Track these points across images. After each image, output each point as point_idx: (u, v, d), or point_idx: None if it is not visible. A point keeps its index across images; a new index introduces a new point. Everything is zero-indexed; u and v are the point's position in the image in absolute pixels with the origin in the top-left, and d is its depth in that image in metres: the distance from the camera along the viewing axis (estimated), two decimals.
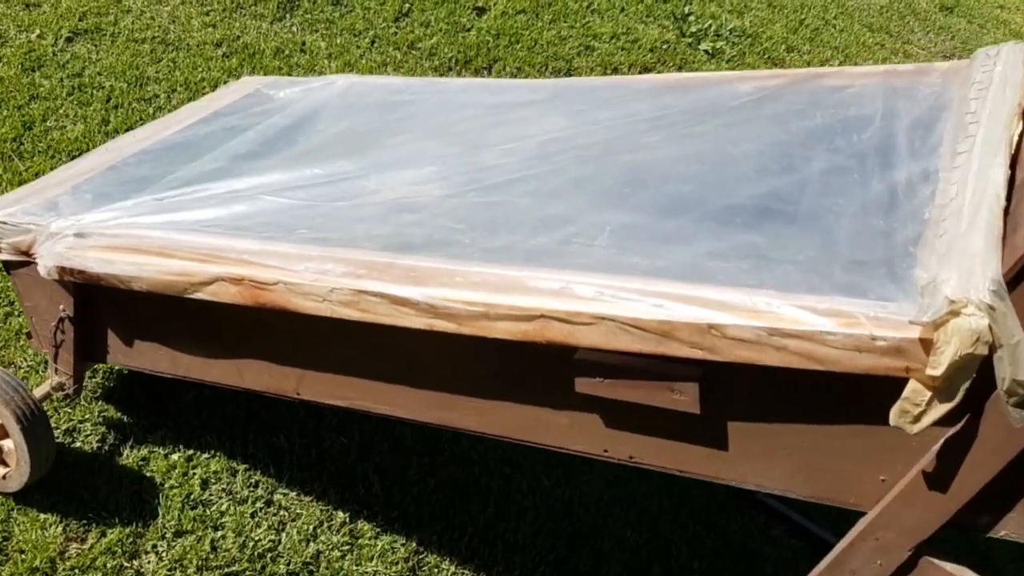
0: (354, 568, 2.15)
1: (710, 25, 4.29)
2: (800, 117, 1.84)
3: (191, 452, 2.26)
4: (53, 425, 2.15)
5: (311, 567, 2.12)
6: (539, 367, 1.51)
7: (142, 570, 2.01)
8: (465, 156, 1.91)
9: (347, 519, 2.22)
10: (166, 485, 2.18)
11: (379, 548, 2.19)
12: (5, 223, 1.91)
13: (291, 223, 1.76)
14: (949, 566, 1.32)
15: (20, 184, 2.59)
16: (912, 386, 1.19)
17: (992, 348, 1.12)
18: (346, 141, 2.14)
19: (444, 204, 1.71)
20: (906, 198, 1.43)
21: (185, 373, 1.95)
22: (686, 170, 1.69)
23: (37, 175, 2.74)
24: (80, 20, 3.48)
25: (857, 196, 1.50)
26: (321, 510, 2.23)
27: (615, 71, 3.77)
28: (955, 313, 1.13)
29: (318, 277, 1.57)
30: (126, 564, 2.02)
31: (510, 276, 1.44)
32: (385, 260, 1.56)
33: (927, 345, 1.17)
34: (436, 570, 2.19)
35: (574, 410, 1.53)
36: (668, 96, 2.05)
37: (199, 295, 1.70)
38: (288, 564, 2.10)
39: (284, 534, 2.17)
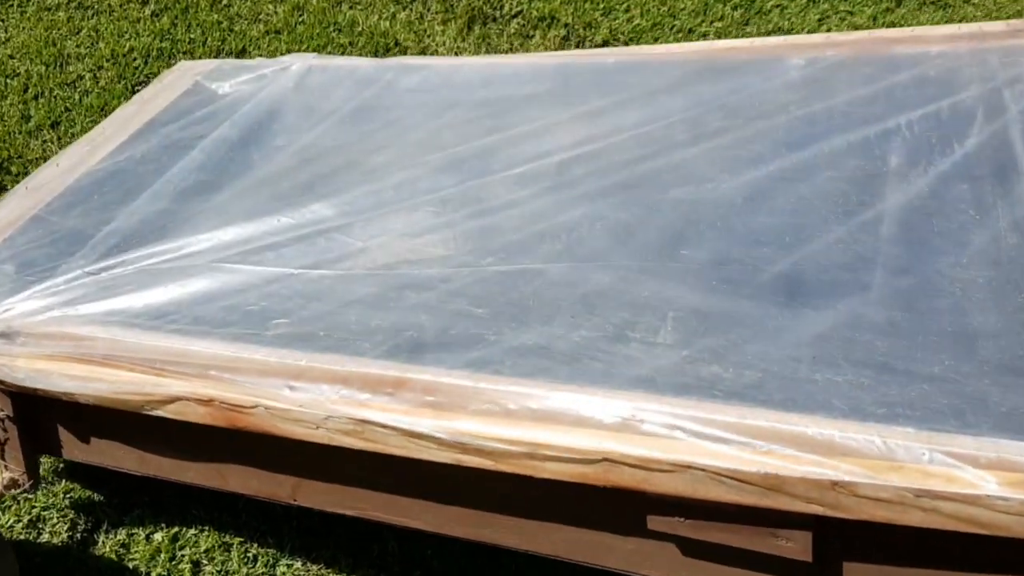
0: None
1: None
2: (879, 113, 1.48)
3: (176, 530, 1.97)
4: (13, 520, 1.85)
5: None
6: (601, 495, 1.22)
7: None
8: (468, 190, 1.55)
9: None
10: (152, 574, 1.90)
11: None
12: None
13: (264, 309, 1.41)
14: None
15: None
16: None
17: None
18: (313, 164, 1.76)
19: (456, 276, 1.37)
20: None
21: (156, 473, 1.64)
22: (752, 215, 1.35)
23: None
24: None
25: (989, 251, 1.18)
26: None
27: None
28: None
29: (309, 400, 1.24)
30: None
31: (556, 401, 1.13)
32: (393, 374, 1.23)
33: None
34: None
35: (645, 537, 1.24)
36: (703, 83, 1.67)
37: (160, 413, 1.37)
38: None
39: None
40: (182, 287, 1.48)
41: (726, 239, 1.32)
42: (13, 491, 1.81)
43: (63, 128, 2.60)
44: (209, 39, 3.00)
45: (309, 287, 1.43)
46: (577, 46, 3.31)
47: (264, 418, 1.27)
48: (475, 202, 1.51)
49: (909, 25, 3.21)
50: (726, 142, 1.50)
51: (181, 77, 2.23)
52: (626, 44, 3.30)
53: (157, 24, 2.99)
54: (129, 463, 1.65)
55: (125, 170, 1.88)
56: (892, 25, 3.17)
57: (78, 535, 1.94)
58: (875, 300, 1.16)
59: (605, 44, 3.31)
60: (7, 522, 1.92)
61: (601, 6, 3.29)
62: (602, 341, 1.19)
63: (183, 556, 1.95)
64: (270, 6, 3.16)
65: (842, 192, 1.35)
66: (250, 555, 1.99)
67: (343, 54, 3.04)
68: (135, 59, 2.86)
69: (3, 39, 2.85)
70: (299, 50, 3.01)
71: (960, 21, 3.20)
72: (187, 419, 1.35)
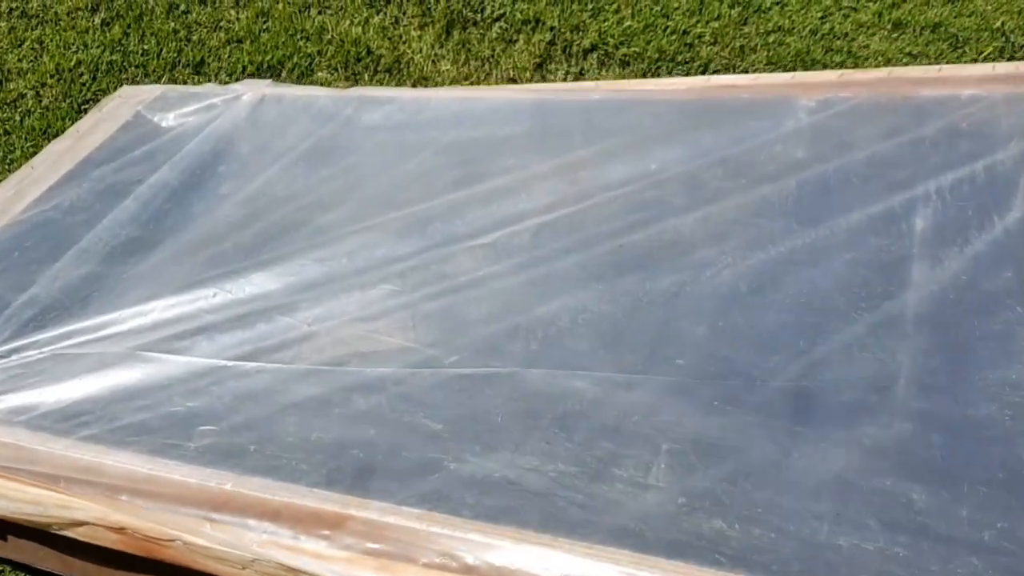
0: None
1: None
2: (904, 177, 1.28)
3: None
4: None
5: None
6: None
7: None
8: (431, 261, 1.35)
9: None
10: None
11: None
12: None
13: (190, 411, 1.21)
14: None
15: None
16: None
17: None
18: (259, 220, 1.55)
19: (412, 377, 1.17)
20: None
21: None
22: (758, 311, 1.15)
23: None
24: None
25: None
26: None
27: None
28: None
29: (233, 540, 1.04)
30: None
31: (524, 557, 0.93)
32: (332, 509, 1.03)
33: None
34: None
35: None
36: (700, 130, 1.47)
37: (69, 534, 1.18)
38: None
39: None
40: (100, 379, 1.28)
41: (728, 342, 1.12)
42: None
43: (1, 154, 2.38)
44: (164, 50, 2.77)
45: (243, 384, 1.22)
46: (563, 51, 3.10)
47: (183, 552, 1.08)
48: (439, 279, 1.31)
49: (916, 22, 2.99)
50: (727, 210, 1.30)
51: (122, 106, 2.01)
52: (616, 47, 3.09)
53: (107, 34, 2.76)
54: (52, 563, 1.46)
55: (51, 221, 1.67)
56: (898, 23, 2.96)
57: None
58: (907, 430, 0.97)
59: (593, 49, 3.10)
60: None
61: (589, 7, 3.07)
62: (582, 478, 1.00)
63: None
64: (231, 12, 2.92)
65: (863, 280, 1.15)
66: None
67: (310, 65, 2.82)
68: (82, 74, 2.63)
69: None
70: (262, 61, 2.79)
71: (969, 15, 2.99)
72: (99, 543, 1.16)
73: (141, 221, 1.62)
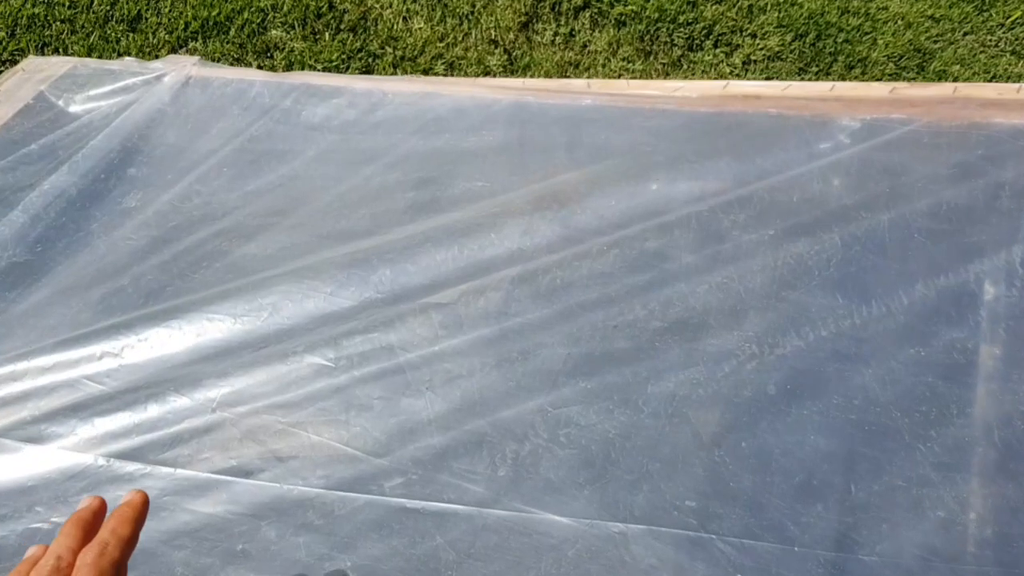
0: None
1: None
2: (979, 241, 1.00)
3: None
4: None
5: None
6: None
7: None
8: (374, 326, 1.06)
9: None
10: None
11: None
12: None
13: (53, 529, 0.93)
14: None
15: None
16: None
17: None
18: (167, 247, 1.25)
19: (341, 507, 0.89)
20: None
21: None
22: (795, 435, 0.88)
23: None
24: None
25: None
26: None
27: None
28: None
29: None
30: None
31: None
32: None
33: None
34: None
35: None
36: (714, 155, 1.17)
37: None
38: None
39: None
40: None
41: (756, 488, 0.85)
42: None
43: None
44: (96, 1, 2.41)
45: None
46: (552, 9, 2.76)
47: None
48: (383, 353, 1.03)
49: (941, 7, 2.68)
50: (750, 278, 1.01)
51: (24, 84, 1.68)
52: (611, 5, 2.76)
53: None
54: None
55: None
56: (924, 14, 2.64)
57: None
58: None
59: (586, 6, 2.77)
60: None
61: None
62: None
63: None
64: None
65: (930, 393, 0.88)
66: None
67: (263, 22, 2.47)
68: None
69: None
70: (208, 16, 2.44)
71: None
72: None
73: (26, 241, 1.32)
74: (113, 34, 2.34)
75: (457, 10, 2.74)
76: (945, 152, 1.10)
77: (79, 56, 2.20)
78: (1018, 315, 0.92)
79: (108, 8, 2.38)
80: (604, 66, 2.58)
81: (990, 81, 2.51)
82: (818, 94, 1.25)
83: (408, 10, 2.70)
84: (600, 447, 0.90)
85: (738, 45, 2.62)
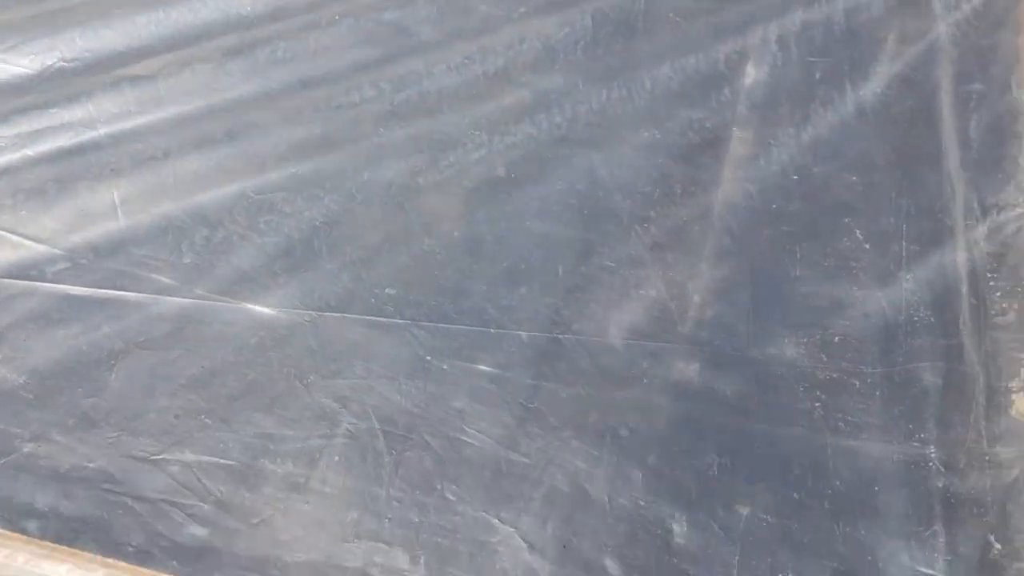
0: None
1: None
2: (748, 15, 0.93)
3: None
4: None
5: None
6: None
7: None
8: (53, 108, 0.91)
9: None
10: None
11: None
12: None
13: None
14: None
15: None
16: None
17: None
18: None
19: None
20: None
21: None
22: (518, 226, 0.82)
23: None
24: None
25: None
26: None
27: None
28: None
29: None
30: None
31: None
32: None
33: None
34: None
35: None
36: None
37: None
38: None
39: None
40: None
41: (461, 275, 0.80)
42: None
43: None
44: None
45: None
46: None
47: None
48: (63, 133, 0.89)
49: None
50: (491, 59, 0.92)
51: None
52: None
53: None
54: None
55: None
56: None
57: None
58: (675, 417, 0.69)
59: None
60: None
61: None
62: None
63: None
64: None
65: (658, 175, 0.83)
66: None
67: None
68: None
69: None
70: None
71: None
72: None
73: None
74: None
75: None
76: None
77: None
78: (761, 96, 0.88)
79: None
80: None
81: None
82: None
83: None
84: (303, 235, 0.82)
85: None
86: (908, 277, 0.77)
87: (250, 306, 0.78)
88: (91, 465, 0.78)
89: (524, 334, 0.75)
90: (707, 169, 0.85)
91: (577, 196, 0.83)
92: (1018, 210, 0.78)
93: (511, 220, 0.83)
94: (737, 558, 0.75)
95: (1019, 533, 0.72)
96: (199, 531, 0.77)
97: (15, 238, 0.82)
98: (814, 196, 0.81)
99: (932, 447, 0.73)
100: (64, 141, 0.88)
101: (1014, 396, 0.71)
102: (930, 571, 0.73)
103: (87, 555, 0.77)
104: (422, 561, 0.77)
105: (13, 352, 0.76)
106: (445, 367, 0.77)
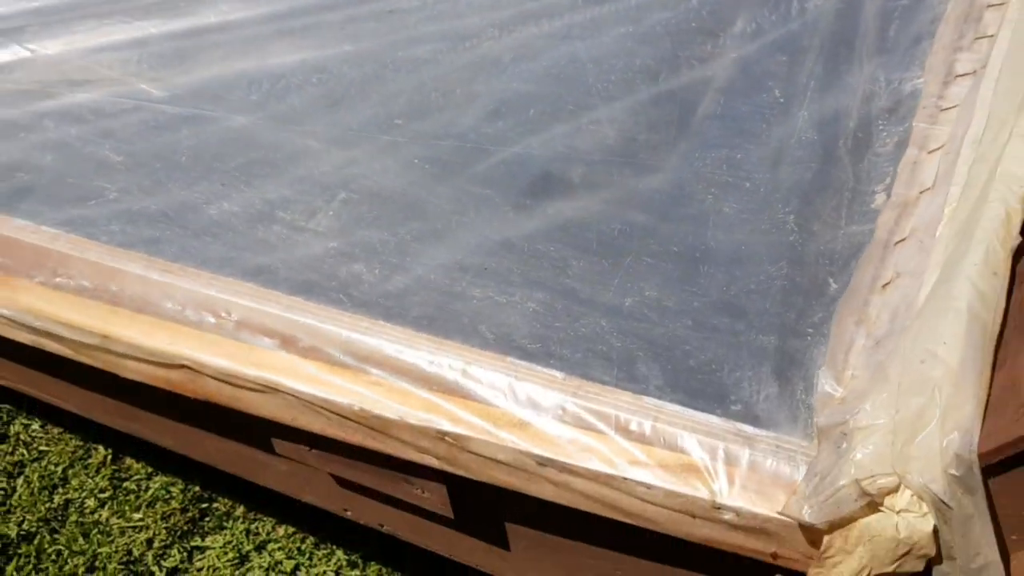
0: (115, 522, 1.70)
1: None
2: None
3: None
4: None
5: (55, 523, 1.66)
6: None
7: None
8: None
9: (108, 457, 1.74)
10: None
11: (150, 494, 1.73)
12: None
13: None
14: None
15: None
16: None
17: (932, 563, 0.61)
18: None
19: (111, 109, 1.06)
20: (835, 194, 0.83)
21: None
22: (503, 80, 1.05)
23: None
24: None
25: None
26: (76, 446, 1.74)
27: None
28: (872, 507, 0.60)
29: None
30: None
31: (138, 286, 0.85)
32: None
33: (814, 537, 0.64)
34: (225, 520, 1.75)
35: (299, 461, 1.00)
36: None
37: None
38: (22, 523, 1.64)
39: (20, 480, 1.69)
40: None
41: (461, 109, 1.03)
42: None
43: None
44: None
45: None
46: None
47: None
48: (183, 15, 1.19)
49: None
50: None
51: None
52: None
53: None
54: None
55: None
56: None
57: None
58: (593, 206, 0.88)
59: None
60: None
61: None
62: (242, 218, 0.91)
63: None
64: None
65: (627, 55, 1.05)
66: None
67: None
68: None
69: None
70: None
71: None
72: None
73: None
74: None
75: None
76: None
77: None
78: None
79: None
80: None
81: None
82: None
83: None
84: (340, 87, 1.09)
85: None
86: (804, 114, 0.94)
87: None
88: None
89: (494, 148, 0.97)
90: (666, 55, 1.05)
91: (558, 68, 1.06)
92: (916, 81, 0.95)
93: (502, 83, 1.06)
94: None
95: None
96: None
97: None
98: (748, 68, 1.00)
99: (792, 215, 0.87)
100: None
101: (876, 196, 0.86)
102: None
103: None
104: None
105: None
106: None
